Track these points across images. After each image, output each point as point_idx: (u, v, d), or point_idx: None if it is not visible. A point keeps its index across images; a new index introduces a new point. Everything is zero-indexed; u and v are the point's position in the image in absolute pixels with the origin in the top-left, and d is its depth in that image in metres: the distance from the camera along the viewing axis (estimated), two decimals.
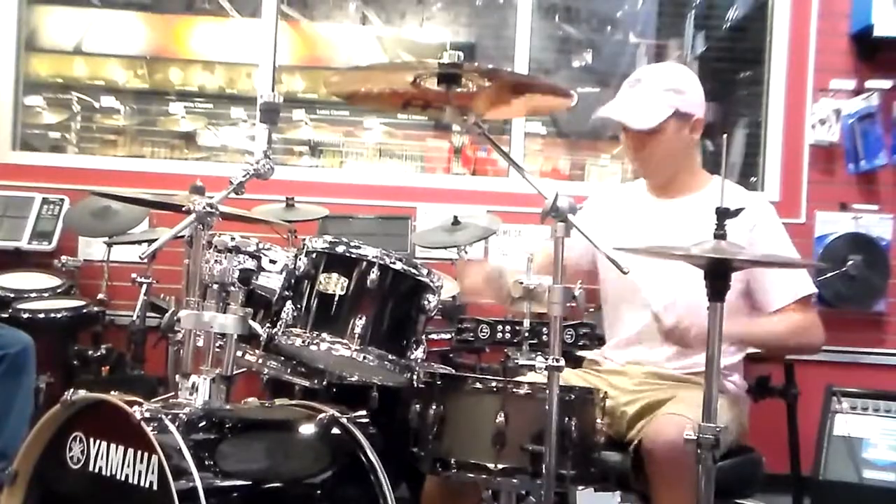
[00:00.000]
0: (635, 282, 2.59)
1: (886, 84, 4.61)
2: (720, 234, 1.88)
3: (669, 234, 2.49)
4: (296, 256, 2.39)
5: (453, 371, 3.02)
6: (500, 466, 2.05)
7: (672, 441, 2.15)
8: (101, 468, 2.09)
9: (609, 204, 2.80)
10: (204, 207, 2.32)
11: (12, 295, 3.99)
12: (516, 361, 2.98)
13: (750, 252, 2.13)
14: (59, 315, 3.90)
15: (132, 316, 3.84)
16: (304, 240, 2.45)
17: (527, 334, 2.73)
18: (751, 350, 2.71)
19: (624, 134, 2.62)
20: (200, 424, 2.13)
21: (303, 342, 2.32)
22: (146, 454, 2.00)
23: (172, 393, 2.29)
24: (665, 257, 2.39)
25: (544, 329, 3.02)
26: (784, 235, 2.58)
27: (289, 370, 2.50)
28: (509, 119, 4.71)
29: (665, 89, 2.56)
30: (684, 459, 2.03)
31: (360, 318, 2.30)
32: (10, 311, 3.83)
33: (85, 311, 3.95)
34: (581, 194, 2.40)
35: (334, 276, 2.34)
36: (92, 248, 4.40)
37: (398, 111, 2.36)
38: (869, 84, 4.62)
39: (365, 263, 2.34)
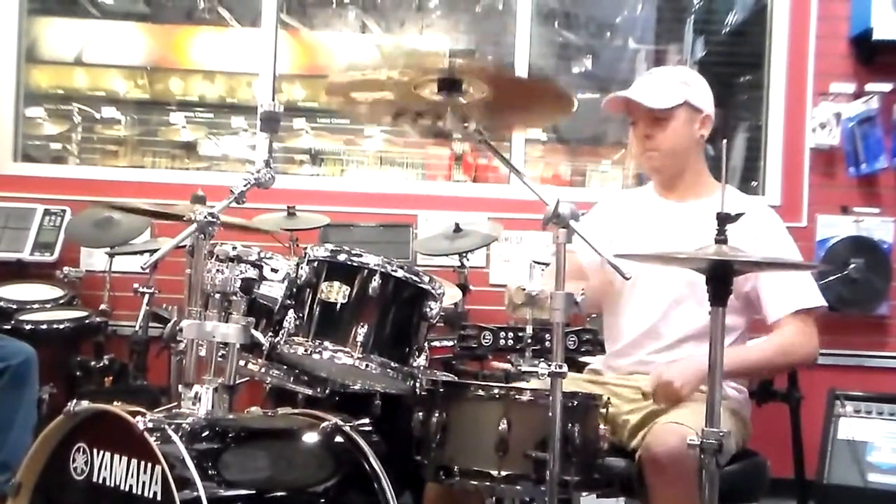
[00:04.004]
0: (637, 288, 2.61)
1: (886, 87, 4.62)
2: (721, 239, 1.88)
3: (676, 237, 2.49)
4: (297, 265, 2.40)
5: (456, 378, 3.02)
6: (503, 473, 2.05)
7: (672, 449, 2.14)
8: (104, 479, 2.09)
9: (617, 208, 2.81)
10: (205, 217, 2.32)
11: (14, 306, 3.99)
12: (519, 368, 2.98)
13: (751, 255, 2.13)
14: (61, 326, 3.90)
15: (134, 326, 3.85)
16: (305, 248, 2.45)
17: (529, 341, 2.72)
18: None
19: (633, 127, 2.65)
20: (203, 434, 2.13)
21: (305, 351, 2.31)
22: (149, 464, 2.00)
23: (175, 403, 2.29)
24: (667, 262, 2.39)
25: (547, 335, 3.01)
26: (791, 245, 2.58)
27: (291, 379, 2.50)
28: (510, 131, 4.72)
29: (677, 81, 2.63)
30: (685, 468, 2.04)
31: (362, 326, 2.30)
32: (12, 322, 3.83)
33: (87, 321, 3.95)
34: (582, 200, 2.41)
35: (336, 284, 2.34)
36: (94, 259, 4.40)
37: (392, 123, 2.34)
38: (869, 87, 4.63)
39: (366, 271, 2.33)
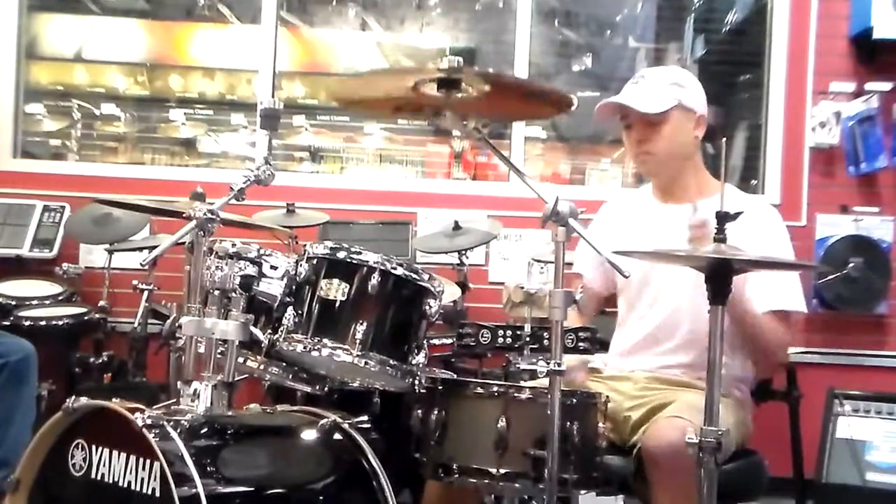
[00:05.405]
0: (641, 287, 2.61)
1: (886, 86, 4.62)
2: (720, 238, 1.88)
3: (675, 241, 2.49)
4: (297, 262, 2.39)
5: (455, 376, 3.02)
6: (502, 471, 2.05)
7: (673, 443, 2.14)
8: (103, 475, 2.09)
9: (617, 213, 2.81)
10: (205, 214, 2.32)
11: (14, 303, 3.99)
12: (517, 366, 2.98)
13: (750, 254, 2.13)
14: (60, 322, 3.90)
15: (134, 323, 3.84)
16: (305, 246, 2.45)
17: (528, 339, 2.72)
18: None
19: (626, 131, 2.64)
20: (202, 431, 2.13)
21: (304, 348, 2.32)
22: (148, 461, 2.00)
23: (174, 400, 2.29)
24: (667, 261, 2.39)
25: (545, 334, 3.01)
26: (787, 244, 2.57)
27: (290, 376, 2.50)
28: (510, 123, 4.72)
29: (669, 83, 2.61)
30: (685, 462, 2.03)
31: (362, 324, 2.30)
32: (11, 318, 3.83)
33: (86, 318, 3.95)
34: (582, 199, 2.41)
35: (335, 281, 2.34)
36: (93, 256, 4.41)
37: (393, 116, 2.35)
38: (869, 86, 4.63)
39: (366, 269, 2.33)
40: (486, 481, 2.08)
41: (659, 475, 2.21)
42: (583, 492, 2.28)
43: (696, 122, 2.61)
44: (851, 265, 4.49)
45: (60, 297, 4.14)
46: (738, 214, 1.91)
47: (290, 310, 2.35)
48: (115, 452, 2.08)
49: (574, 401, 2.12)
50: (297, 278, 2.38)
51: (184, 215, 2.42)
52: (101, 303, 4.03)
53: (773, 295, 2.47)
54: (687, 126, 2.59)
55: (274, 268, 2.38)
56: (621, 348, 2.70)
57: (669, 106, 2.56)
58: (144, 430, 1.97)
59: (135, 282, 3.82)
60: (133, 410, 2.04)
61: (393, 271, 2.34)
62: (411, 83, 2.14)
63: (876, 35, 4.47)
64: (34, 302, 4.05)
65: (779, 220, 2.61)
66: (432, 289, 2.41)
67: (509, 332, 3.41)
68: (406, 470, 2.29)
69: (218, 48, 6.22)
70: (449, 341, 3.66)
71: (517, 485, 2.07)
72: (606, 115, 2.64)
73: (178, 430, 2.03)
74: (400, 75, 2.21)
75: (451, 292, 3.73)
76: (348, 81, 2.45)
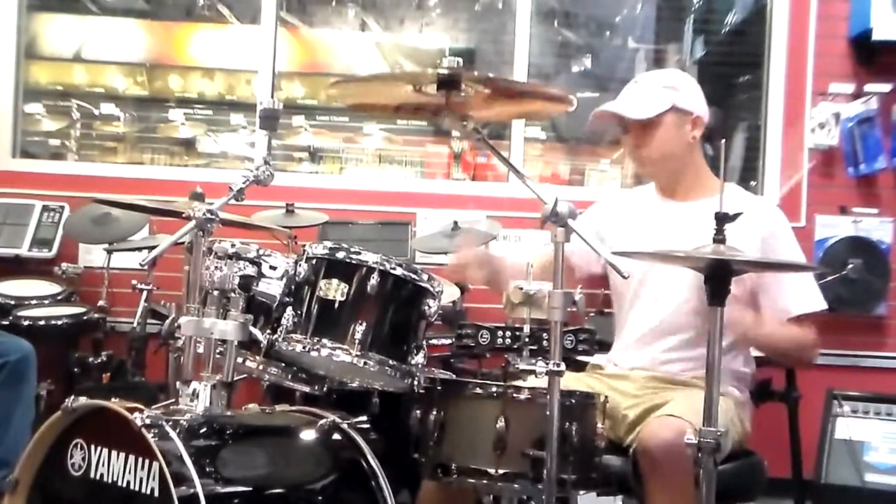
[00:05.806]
0: (641, 284, 2.61)
1: (885, 88, 4.61)
2: (719, 239, 1.88)
3: (677, 238, 2.49)
4: (296, 262, 2.40)
5: (454, 376, 3.02)
6: (500, 471, 2.05)
7: (666, 442, 2.15)
8: (101, 475, 2.09)
9: (618, 208, 2.81)
10: (204, 214, 2.33)
11: (13, 302, 3.99)
12: (516, 367, 2.98)
13: (752, 256, 2.13)
14: (59, 322, 3.90)
15: (133, 323, 3.84)
16: (304, 246, 2.45)
17: (527, 340, 2.72)
18: (757, 353, 2.70)
19: (625, 136, 2.66)
20: (201, 431, 2.13)
21: (303, 348, 2.32)
22: (147, 461, 2.00)
23: (173, 399, 2.29)
24: (665, 261, 2.39)
25: (544, 335, 3.02)
26: (796, 245, 2.59)
27: (289, 376, 2.50)
28: (509, 122, 4.72)
29: (662, 87, 2.62)
30: (678, 461, 2.03)
31: (361, 324, 2.30)
32: (10, 318, 3.83)
33: (85, 317, 3.95)
34: (581, 199, 2.41)
35: (334, 281, 2.34)
36: (92, 255, 4.40)
37: (393, 116, 2.36)
38: (868, 88, 4.62)
39: (365, 269, 2.34)
40: (485, 482, 2.08)
41: (653, 474, 2.21)
42: (581, 492, 2.28)
43: (693, 123, 2.61)
44: (850, 266, 4.48)
45: (59, 297, 4.14)
46: (737, 215, 1.91)
47: (289, 310, 2.35)
48: (113, 452, 2.08)
49: (573, 401, 2.12)
50: (297, 278, 2.38)
51: (183, 215, 2.43)
52: (101, 302, 4.03)
53: (793, 300, 2.49)
54: (682, 128, 2.60)
55: (273, 268, 2.39)
56: (624, 343, 2.70)
57: (662, 110, 2.57)
58: (143, 429, 1.97)
59: (134, 282, 3.82)
60: (132, 410, 2.04)
61: (392, 271, 2.35)
62: (410, 87, 2.14)
63: (875, 36, 4.46)
64: (33, 302, 4.05)
65: (783, 221, 2.62)
66: (431, 289, 2.41)
67: (508, 333, 3.44)
68: (405, 470, 2.29)
69: (217, 48, 6.22)
70: (448, 342, 3.66)
71: (516, 485, 2.07)
72: (602, 122, 2.67)
73: (177, 430, 2.03)
74: (397, 80, 2.21)
75: (450, 293, 3.73)
76: (348, 87, 2.44)
